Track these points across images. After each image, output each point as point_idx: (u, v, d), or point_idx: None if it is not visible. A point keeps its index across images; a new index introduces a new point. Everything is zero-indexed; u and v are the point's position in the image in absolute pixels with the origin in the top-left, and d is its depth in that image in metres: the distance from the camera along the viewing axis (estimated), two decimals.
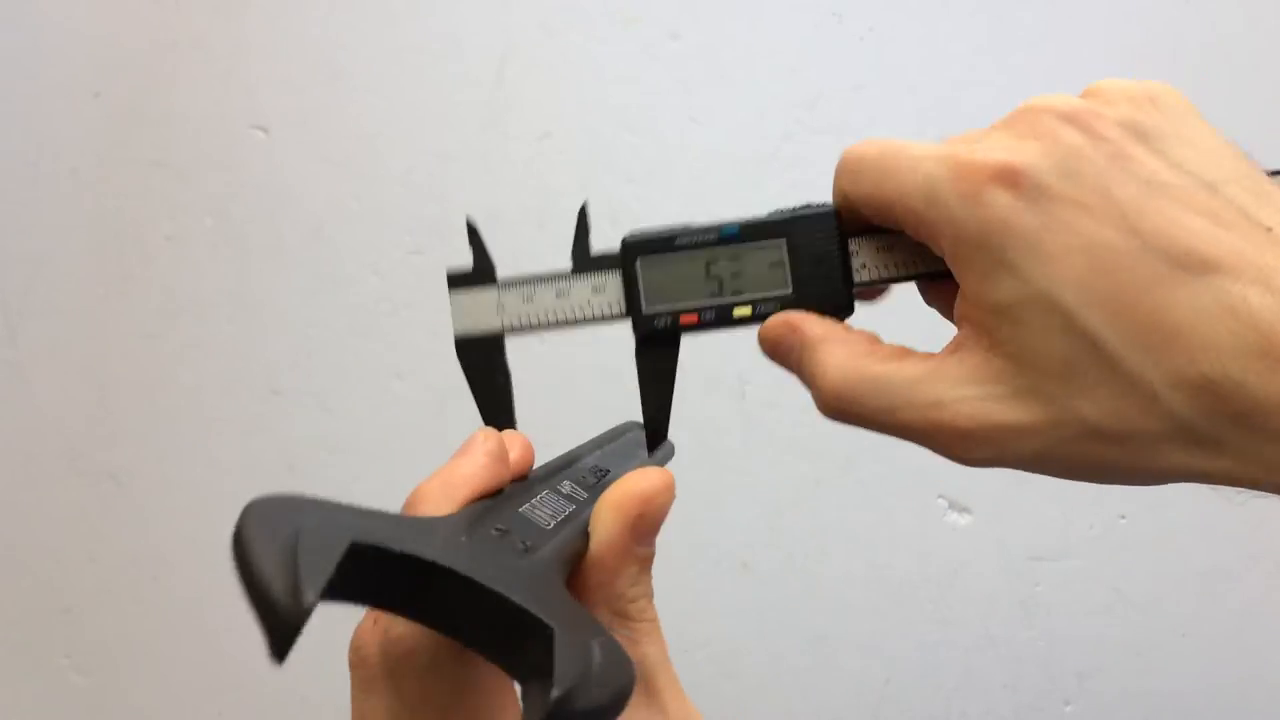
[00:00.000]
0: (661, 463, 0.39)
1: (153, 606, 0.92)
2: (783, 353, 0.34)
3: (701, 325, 0.36)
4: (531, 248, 0.88)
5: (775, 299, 0.36)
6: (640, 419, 0.39)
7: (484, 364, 0.38)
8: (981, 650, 0.86)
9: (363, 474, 0.89)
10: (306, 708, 0.90)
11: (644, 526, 0.30)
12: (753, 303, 0.36)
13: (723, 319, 0.36)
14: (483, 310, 0.38)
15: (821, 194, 0.36)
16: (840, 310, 0.35)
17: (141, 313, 0.92)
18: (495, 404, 0.38)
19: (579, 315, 0.37)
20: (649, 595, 0.31)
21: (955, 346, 0.30)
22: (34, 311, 0.93)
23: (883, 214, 0.32)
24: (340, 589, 0.22)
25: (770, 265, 0.36)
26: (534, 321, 0.38)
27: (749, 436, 0.85)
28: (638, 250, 0.37)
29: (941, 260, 0.33)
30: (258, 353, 0.91)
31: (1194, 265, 0.26)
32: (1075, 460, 0.29)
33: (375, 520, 0.24)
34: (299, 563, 0.21)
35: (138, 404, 0.92)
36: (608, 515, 0.30)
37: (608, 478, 0.36)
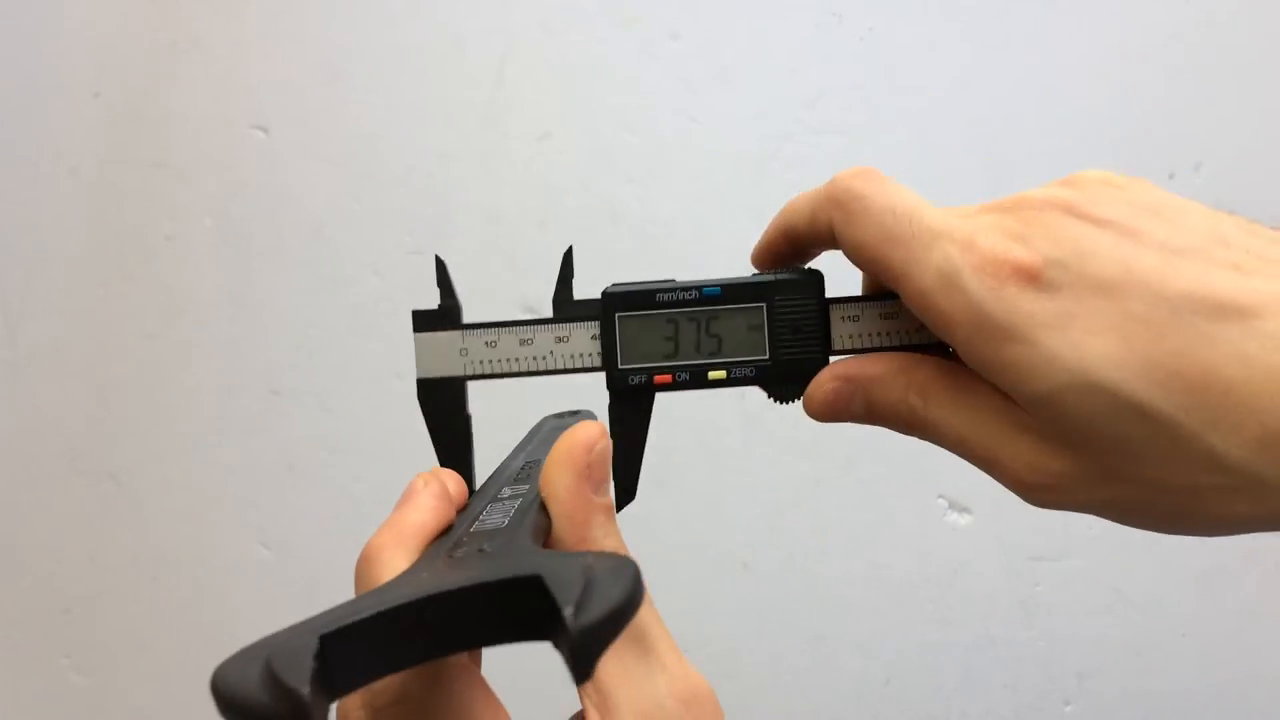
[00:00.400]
0: None
1: (153, 606, 0.92)
2: (843, 406, 0.34)
3: (676, 386, 0.36)
4: (531, 248, 0.88)
5: (751, 364, 0.36)
6: (557, 410, 0.40)
7: (444, 407, 0.38)
8: (981, 650, 0.86)
9: (363, 474, 0.89)
10: None
11: (596, 474, 0.31)
12: (728, 366, 0.36)
13: (697, 381, 0.36)
14: (446, 353, 0.38)
15: None
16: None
17: (141, 313, 0.92)
18: (453, 448, 0.38)
19: (543, 365, 0.37)
20: (623, 547, 0.31)
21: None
22: (34, 311, 0.93)
23: (872, 268, 0.32)
24: (336, 680, 0.23)
25: (749, 329, 0.36)
26: (497, 368, 0.38)
27: (749, 436, 0.85)
28: (618, 304, 0.37)
29: (913, 335, 0.34)
30: (258, 353, 0.91)
31: (1230, 314, 0.27)
32: (1143, 511, 0.29)
33: (336, 612, 0.24)
34: (279, 676, 0.21)
35: (138, 404, 0.92)
36: (559, 473, 0.31)
37: (540, 465, 0.36)
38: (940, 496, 0.85)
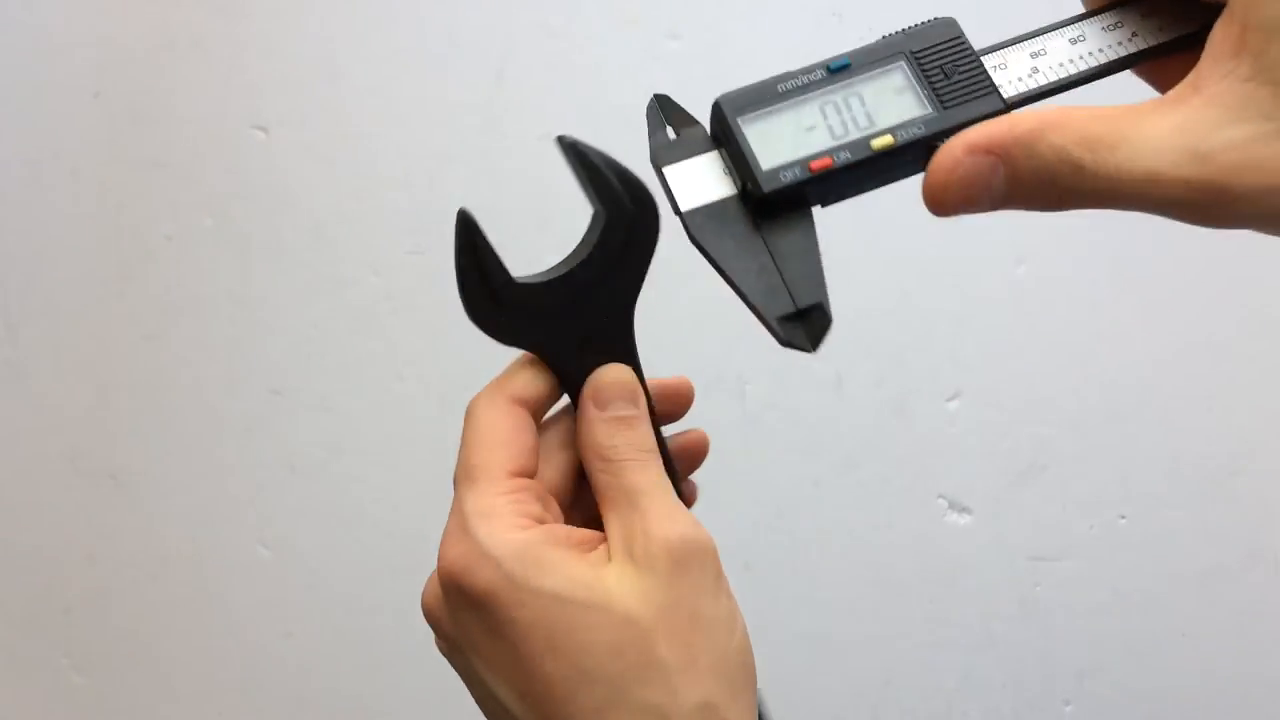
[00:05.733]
0: None
1: (153, 606, 0.92)
2: (981, 186, 0.29)
3: (837, 170, 0.30)
4: (531, 248, 0.88)
5: (918, 121, 0.31)
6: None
7: (729, 231, 0.31)
8: (981, 650, 0.86)
9: (363, 474, 0.89)
10: (306, 708, 0.90)
11: (600, 398, 0.35)
12: (892, 131, 0.30)
13: (861, 157, 0.30)
14: (709, 175, 0.32)
15: None
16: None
17: (141, 313, 0.92)
18: (755, 273, 0.30)
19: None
20: (632, 444, 0.35)
21: (1192, 89, 0.27)
22: (34, 311, 0.93)
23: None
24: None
25: (896, 91, 0.31)
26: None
27: (749, 436, 0.85)
28: (735, 108, 0.31)
29: (1119, 48, 0.31)
30: (258, 353, 0.91)
31: None
32: None
33: None
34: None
35: (138, 404, 0.92)
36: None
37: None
38: (940, 496, 0.85)
